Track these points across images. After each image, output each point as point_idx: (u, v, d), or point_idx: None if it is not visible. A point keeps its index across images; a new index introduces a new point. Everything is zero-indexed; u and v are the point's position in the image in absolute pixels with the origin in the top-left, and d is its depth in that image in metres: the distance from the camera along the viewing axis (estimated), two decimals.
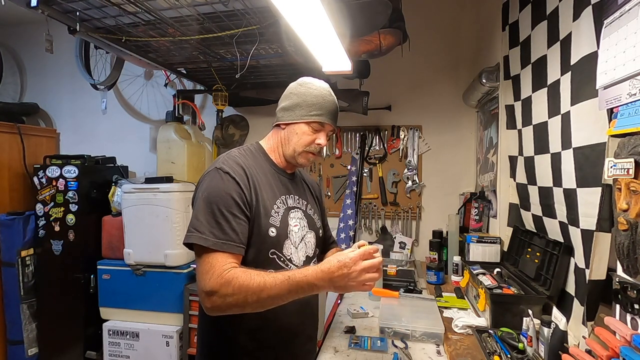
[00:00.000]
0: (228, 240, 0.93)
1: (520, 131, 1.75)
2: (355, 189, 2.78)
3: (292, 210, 1.13)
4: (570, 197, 1.25)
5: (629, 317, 0.90)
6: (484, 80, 2.08)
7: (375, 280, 0.91)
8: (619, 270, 0.96)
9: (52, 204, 2.67)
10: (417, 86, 2.75)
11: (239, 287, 0.88)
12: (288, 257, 1.07)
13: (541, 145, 1.50)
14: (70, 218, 2.65)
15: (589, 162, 1.13)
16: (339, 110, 1.16)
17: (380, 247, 2.47)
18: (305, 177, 1.31)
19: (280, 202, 1.09)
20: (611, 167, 0.94)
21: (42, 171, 2.69)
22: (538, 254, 1.53)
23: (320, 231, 1.23)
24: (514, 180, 1.85)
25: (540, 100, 1.50)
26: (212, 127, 3.06)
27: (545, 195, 1.48)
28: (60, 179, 2.65)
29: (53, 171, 2.67)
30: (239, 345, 1.04)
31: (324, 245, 1.30)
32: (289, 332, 1.09)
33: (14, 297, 2.70)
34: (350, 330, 1.49)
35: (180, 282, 2.48)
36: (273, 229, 1.04)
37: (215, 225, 0.93)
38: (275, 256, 1.04)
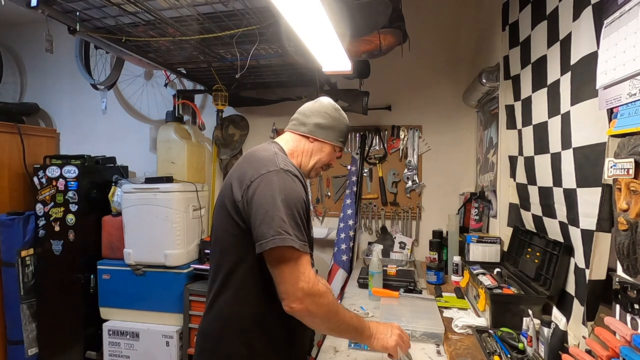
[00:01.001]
0: (306, 243, 0.97)
1: (520, 131, 1.75)
2: (355, 189, 2.78)
3: None
4: (570, 197, 1.25)
5: (629, 317, 0.90)
6: (484, 80, 2.08)
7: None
8: (619, 270, 0.96)
9: (52, 204, 2.67)
10: (417, 86, 2.75)
11: (332, 302, 0.98)
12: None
13: (541, 145, 1.50)
14: (70, 218, 2.65)
15: (589, 162, 1.12)
16: None
17: (381, 247, 2.47)
18: None
19: None
20: (611, 167, 0.94)
21: (42, 171, 2.69)
22: (538, 254, 1.53)
23: None
24: (514, 180, 1.85)
25: (540, 100, 1.50)
26: (212, 127, 3.06)
27: (545, 195, 1.48)
28: (60, 179, 2.65)
29: (53, 171, 2.67)
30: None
31: None
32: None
33: (14, 297, 2.70)
34: None
35: (180, 282, 2.48)
36: (312, 232, 1.17)
37: (296, 227, 0.95)
38: (310, 256, 1.09)
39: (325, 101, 1.25)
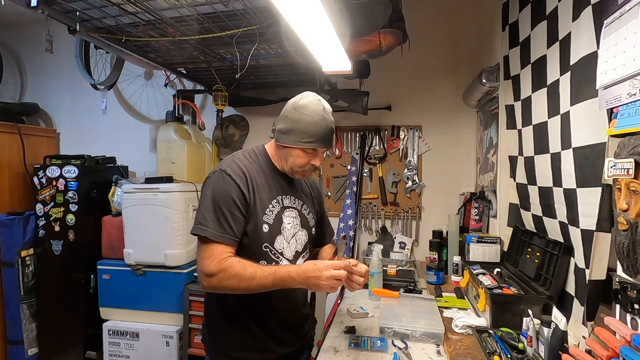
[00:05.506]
0: (224, 234, 1.10)
1: (520, 131, 1.75)
2: (355, 189, 2.78)
3: (287, 210, 1.26)
4: (570, 197, 1.25)
5: (629, 317, 0.90)
6: (484, 80, 2.08)
7: (337, 287, 1.10)
8: (619, 270, 0.96)
9: (52, 204, 2.67)
10: (417, 86, 2.75)
11: (234, 275, 1.07)
12: (280, 251, 1.23)
13: (541, 145, 1.50)
14: (70, 218, 2.65)
15: (589, 162, 1.13)
16: (334, 130, 1.25)
17: (381, 247, 2.47)
18: (308, 179, 1.41)
19: (275, 202, 1.23)
20: (611, 167, 0.94)
21: (42, 171, 2.68)
22: (538, 254, 1.53)
23: (313, 229, 1.37)
24: (514, 180, 1.85)
25: (540, 100, 1.50)
26: (212, 127, 3.06)
27: (545, 195, 1.48)
28: (60, 179, 2.65)
29: (53, 171, 2.66)
30: (238, 318, 1.23)
31: (321, 241, 1.47)
32: (274, 319, 1.24)
33: (14, 297, 2.70)
34: (350, 330, 1.49)
35: (180, 282, 2.48)
36: (266, 226, 1.19)
37: (216, 220, 1.10)
38: (267, 249, 1.20)
39: (290, 102, 1.22)
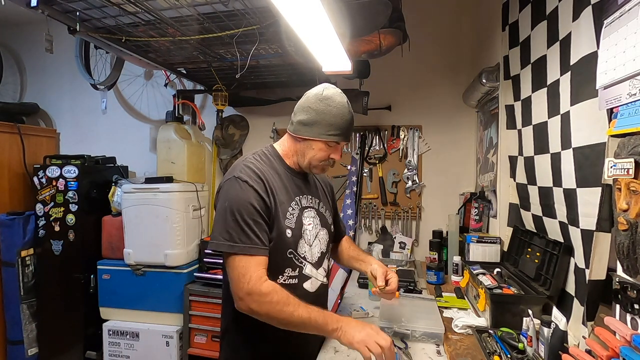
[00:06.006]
0: (255, 245, 1.02)
1: (520, 131, 1.75)
2: (355, 189, 2.78)
3: (306, 210, 1.20)
4: (570, 197, 1.25)
5: (629, 317, 0.90)
6: (484, 80, 2.08)
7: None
8: (619, 270, 0.96)
9: (52, 204, 2.67)
10: (417, 86, 2.75)
11: (277, 300, 0.98)
12: (302, 256, 1.16)
13: (541, 145, 1.50)
14: (70, 218, 2.65)
15: (589, 162, 1.12)
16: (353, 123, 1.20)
17: (381, 247, 2.47)
18: (318, 175, 1.36)
19: (294, 204, 1.16)
20: (611, 167, 0.94)
21: (42, 171, 2.69)
22: (538, 254, 1.53)
23: (332, 227, 1.31)
24: (514, 180, 1.85)
25: (540, 101, 1.50)
26: (212, 127, 3.06)
27: (545, 195, 1.48)
28: (60, 179, 2.66)
29: (53, 171, 2.67)
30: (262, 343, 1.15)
31: (337, 235, 1.44)
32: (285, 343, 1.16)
33: (14, 297, 2.70)
34: None
35: (180, 282, 2.48)
36: (289, 231, 1.12)
37: (241, 232, 1.01)
38: (292, 255, 1.13)
39: (311, 93, 1.16)
